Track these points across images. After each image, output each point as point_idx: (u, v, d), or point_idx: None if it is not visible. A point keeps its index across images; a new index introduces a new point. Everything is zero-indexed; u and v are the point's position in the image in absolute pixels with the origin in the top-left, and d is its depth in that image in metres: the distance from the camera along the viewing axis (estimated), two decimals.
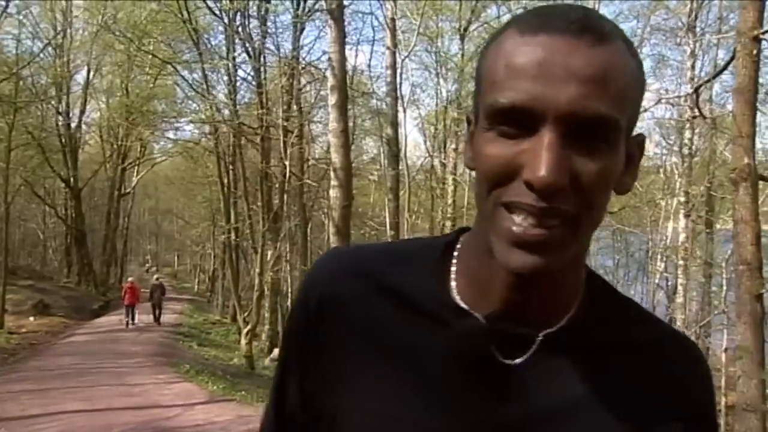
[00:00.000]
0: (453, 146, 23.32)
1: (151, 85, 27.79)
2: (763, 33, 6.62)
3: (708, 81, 10.88)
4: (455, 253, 0.80)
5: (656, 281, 26.11)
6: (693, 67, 18.93)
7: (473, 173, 0.71)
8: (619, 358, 0.76)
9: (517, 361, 0.73)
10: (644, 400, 0.75)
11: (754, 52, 6.67)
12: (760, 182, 7.29)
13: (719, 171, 18.89)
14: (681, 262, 20.52)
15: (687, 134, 19.39)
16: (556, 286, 0.74)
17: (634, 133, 0.73)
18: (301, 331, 0.82)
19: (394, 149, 16.28)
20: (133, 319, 21.25)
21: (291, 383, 0.84)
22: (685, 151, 19.71)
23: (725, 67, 8.15)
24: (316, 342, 0.80)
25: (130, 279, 23.73)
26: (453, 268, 0.79)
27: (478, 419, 0.72)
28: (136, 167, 36.30)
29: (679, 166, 20.61)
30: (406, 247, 0.85)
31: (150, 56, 22.63)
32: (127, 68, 27.16)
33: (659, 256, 25.26)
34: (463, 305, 0.76)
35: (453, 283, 0.78)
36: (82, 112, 31.14)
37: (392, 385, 0.75)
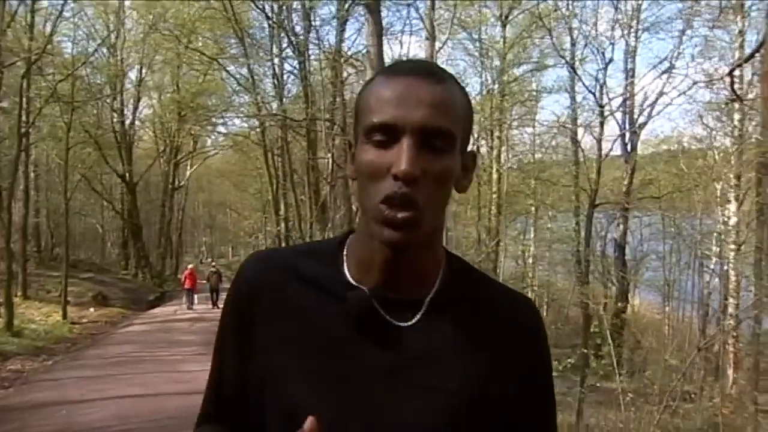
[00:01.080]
0: (497, 133, 23.28)
1: (201, 81, 28.45)
2: None
3: (739, 65, 10.72)
4: (345, 247, 1.07)
5: (711, 267, 25.60)
6: (742, 46, 18.51)
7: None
8: (477, 314, 1.02)
9: (408, 323, 0.99)
10: (497, 343, 1.02)
11: None
12: None
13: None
14: (732, 247, 20.17)
15: (736, 116, 19.00)
16: (419, 259, 0.99)
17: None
18: (236, 318, 1.08)
19: None
20: (192, 302, 22.91)
21: (228, 360, 1.10)
22: (736, 133, 19.34)
23: (757, 51, 8.07)
24: (249, 324, 1.05)
25: (190, 265, 25.37)
26: (345, 257, 1.05)
27: (372, 365, 0.98)
28: (188, 161, 37.20)
29: (729, 149, 20.22)
30: (310, 246, 1.15)
31: (198, 53, 23.18)
32: (176, 65, 27.89)
33: (713, 242, 24.78)
34: (353, 282, 1.01)
35: (345, 267, 1.04)
36: (136, 108, 32.19)
37: (305, 347, 1.01)
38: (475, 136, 25.31)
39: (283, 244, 24.47)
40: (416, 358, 0.98)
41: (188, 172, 37.70)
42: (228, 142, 31.62)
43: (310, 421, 0.89)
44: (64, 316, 19.35)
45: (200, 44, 24.04)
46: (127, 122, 31.35)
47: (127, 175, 30.88)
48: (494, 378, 0.99)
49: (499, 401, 0.99)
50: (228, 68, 23.26)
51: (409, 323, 0.99)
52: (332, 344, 0.99)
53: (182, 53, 24.38)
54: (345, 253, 1.06)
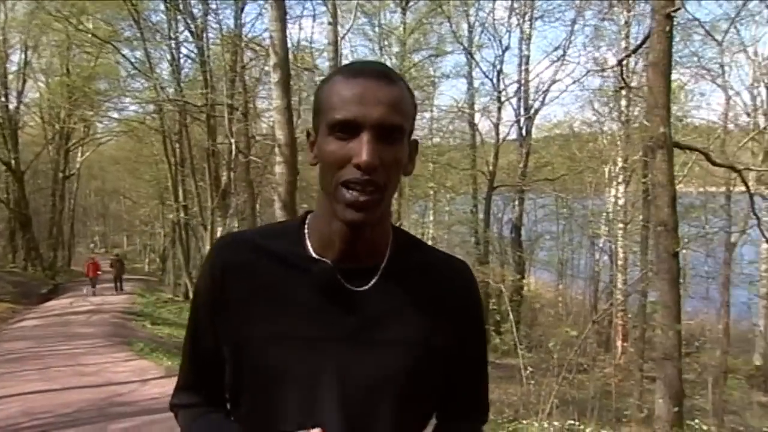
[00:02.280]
0: None
1: (93, 65, 27.26)
2: (676, 10, 7.07)
3: (628, 55, 11.44)
4: (306, 225, 1.21)
5: (599, 245, 26.93)
6: (627, 36, 19.57)
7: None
8: (422, 277, 1.19)
9: (365, 288, 1.15)
10: (440, 301, 1.19)
11: (667, 28, 7.14)
12: (676, 149, 7.82)
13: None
14: (620, 226, 21.34)
15: (624, 102, 20.07)
16: (373, 234, 1.15)
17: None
18: (210, 294, 1.20)
19: None
20: (94, 289, 24.81)
21: (204, 336, 1.23)
22: (623, 118, 20.43)
23: (643, 42, 8.63)
24: (224, 301, 1.18)
25: (92, 256, 28.45)
26: (306, 235, 1.19)
27: (336, 327, 1.13)
28: (80, 148, 35.63)
29: (617, 133, 21.33)
30: (274, 227, 1.28)
31: (89, 35, 22.20)
32: (66, 47, 26.58)
33: (602, 222, 26.08)
34: (316, 256, 1.16)
35: (308, 243, 1.18)
36: (20, 92, 30.40)
37: (278, 316, 1.14)
38: None
39: (183, 233, 24.08)
40: (374, 318, 1.13)
41: (79, 160, 36.12)
42: (122, 128, 30.40)
43: None
44: None
45: (91, 26, 22.99)
46: (12, 107, 29.66)
47: (13, 162, 29.26)
48: (439, 331, 1.17)
49: (444, 351, 1.17)
50: (122, 51, 22.38)
51: (366, 288, 1.15)
52: (302, 312, 1.13)
53: (72, 34, 23.23)
54: (306, 231, 1.19)
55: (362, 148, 1.03)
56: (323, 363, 1.11)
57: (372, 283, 1.15)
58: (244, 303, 1.16)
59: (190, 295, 21.96)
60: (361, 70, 1.10)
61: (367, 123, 1.05)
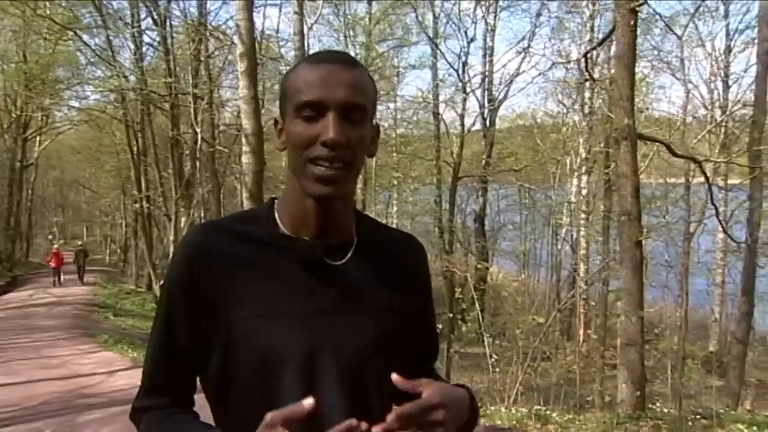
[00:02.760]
0: None
1: (51, 51, 26.63)
2: (640, 5, 7.21)
3: (594, 48, 11.62)
4: (275, 210, 1.27)
5: (561, 235, 27.32)
6: (592, 29, 19.80)
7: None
8: (386, 251, 1.31)
9: (340, 262, 1.23)
10: (402, 271, 1.31)
11: (632, 22, 7.28)
12: (639, 140, 7.98)
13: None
14: (582, 216, 21.66)
15: (587, 94, 20.34)
16: (341, 212, 1.23)
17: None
18: (188, 281, 1.19)
19: None
20: (59, 279, 25.63)
21: (178, 328, 1.21)
22: (586, 110, 20.70)
23: (608, 36, 8.78)
24: (203, 285, 1.18)
25: (55, 246, 28.46)
26: (276, 217, 1.25)
27: (322, 301, 1.19)
28: (38, 137, 34.88)
29: (579, 124, 21.62)
30: (245, 213, 1.32)
31: (48, 20, 21.68)
32: (23, 33, 25.92)
33: (564, 212, 26.45)
34: (290, 234, 1.22)
35: (280, 225, 1.24)
36: None
37: (264, 295, 1.18)
38: None
39: (146, 224, 23.76)
40: (354, 290, 1.22)
41: (37, 149, 35.35)
42: (83, 117, 29.79)
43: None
44: None
45: (49, 11, 22.44)
46: None
47: None
48: (408, 297, 1.30)
49: (411, 312, 1.30)
50: (83, 38, 21.91)
51: (343, 261, 1.23)
52: (287, 289, 1.18)
53: (30, 20, 22.67)
54: (276, 215, 1.26)
55: (329, 126, 1.11)
56: (316, 336, 1.16)
57: (348, 257, 1.23)
58: (228, 286, 1.17)
59: (154, 286, 21.73)
60: (325, 57, 1.18)
61: (332, 103, 1.12)
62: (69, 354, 11.34)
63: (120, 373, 9.47)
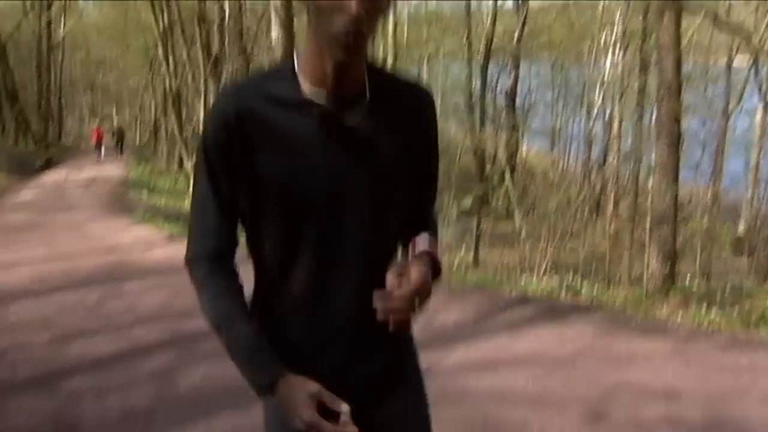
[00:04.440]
0: None
1: None
2: None
3: None
4: (296, 70, 1.33)
5: (594, 113, 26.84)
6: None
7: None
8: (396, 100, 1.38)
9: (355, 123, 1.32)
10: (412, 118, 1.41)
11: None
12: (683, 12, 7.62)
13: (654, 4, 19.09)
14: (617, 92, 21.18)
15: None
16: (357, 66, 1.31)
17: None
18: (225, 141, 1.31)
19: None
20: (100, 154, 29.20)
21: (222, 182, 1.34)
22: None
23: None
24: (241, 142, 1.31)
25: (96, 123, 34.44)
26: (298, 72, 1.33)
27: (341, 157, 1.32)
28: (62, 17, 34.44)
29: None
30: (270, 71, 1.40)
31: None
32: None
33: (597, 89, 25.85)
34: (313, 99, 1.31)
35: (302, 85, 1.32)
36: None
37: (291, 152, 1.31)
38: None
39: (176, 102, 23.71)
40: (368, 146, 1.34)
41: (62, 30, 34.98)
42: None
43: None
44: None
45: None
46: None
47: None
48: (414, 140, 1.41)
49: (418, 153, 1.43)
50: None
51: (356, 123, 1.33)
52: (310, 146, 1.31)
53: None
54: (300, 76, 1.33)
55: (352, 2, 1.15)
56: (334, 183, 1.32)
57: (360, 117, 1.33)
58: (261, 143, 1.30)
59: (185, 164, 22.00)
60: None
61: None
62: (108, 230, 11.67)
63: (158, 246, 9.73)
